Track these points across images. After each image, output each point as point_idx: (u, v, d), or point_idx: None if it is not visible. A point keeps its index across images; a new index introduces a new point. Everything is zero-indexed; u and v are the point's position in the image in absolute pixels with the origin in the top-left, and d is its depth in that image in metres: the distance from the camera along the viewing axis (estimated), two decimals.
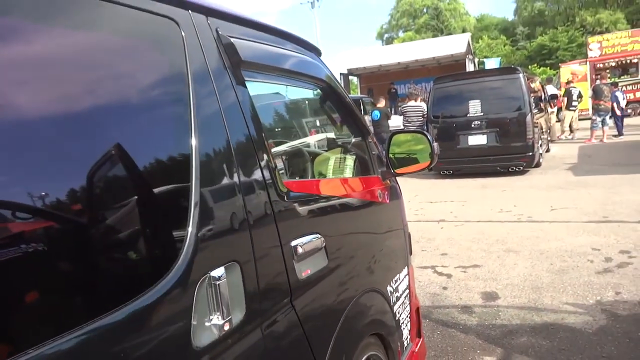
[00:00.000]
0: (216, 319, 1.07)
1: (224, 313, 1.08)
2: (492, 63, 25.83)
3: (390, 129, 10.92)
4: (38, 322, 0.78)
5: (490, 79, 9.55)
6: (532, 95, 12.09)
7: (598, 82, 14.13)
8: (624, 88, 18.59)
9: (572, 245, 4.77)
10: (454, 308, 3.63)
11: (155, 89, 1.10)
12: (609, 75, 19.61)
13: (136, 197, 0.99)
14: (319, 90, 2.07)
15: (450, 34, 46.20)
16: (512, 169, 9.18)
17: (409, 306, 2.46)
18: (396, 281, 2.28)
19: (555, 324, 3.23)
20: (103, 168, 0.91)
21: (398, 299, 2.29)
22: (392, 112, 15.77)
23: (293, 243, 1.40)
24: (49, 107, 0.86)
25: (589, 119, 13.77)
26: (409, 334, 2.45)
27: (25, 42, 0.84)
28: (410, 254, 2.55)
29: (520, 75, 9.14)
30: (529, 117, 8.88)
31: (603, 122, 12.71)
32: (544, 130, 11.65)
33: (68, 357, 0.78)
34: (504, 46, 46.51)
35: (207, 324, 1.06)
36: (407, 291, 2.45)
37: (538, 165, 9.68)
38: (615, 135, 13.21)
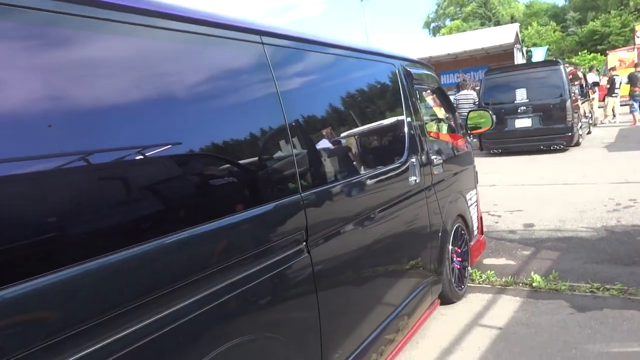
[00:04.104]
0: (412, 177, 2.93)
1: (415, 176, 2.94)
2: (539, 52, 26.54)
3: None
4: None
5: (534, 70, 11.06)
6: (576, 82, 13.40)
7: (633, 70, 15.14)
8: None
9: (594, 197, 6.39)
10: (503, 232, 5.38)
11: (395, 97, 2.97)
12: None
13: (400, 138, 2.88)
14: (433, 89, 3.88)
15: (498, 21, 46.43)
16: (554, 147, 10.68)
17: (476, 212, 4.26)
18: (470, 194, 4.09)
19: (572, 237, 4.93)
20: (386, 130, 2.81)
21: (471, 205, 4.10)
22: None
23: (432, 157, 3.25)
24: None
25: (628, 104, 14.85)
26: (476, 229, 4.25)
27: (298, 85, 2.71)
28: (477, 182, 4.34)
29: (561, 67, 10.60)
30: (568, 103, 10.35)
31: None
32: (585, 114, 12.94)
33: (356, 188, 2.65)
34: (554, 32, 46.23)
35: (410, 178, 2.91)
36: (475, 203, 4.25)
37: (578, 144, 11.13)
38: None
